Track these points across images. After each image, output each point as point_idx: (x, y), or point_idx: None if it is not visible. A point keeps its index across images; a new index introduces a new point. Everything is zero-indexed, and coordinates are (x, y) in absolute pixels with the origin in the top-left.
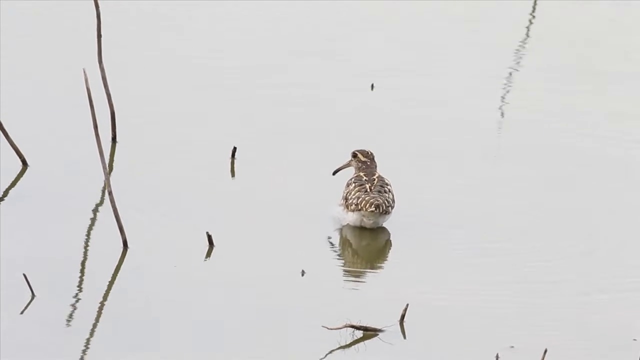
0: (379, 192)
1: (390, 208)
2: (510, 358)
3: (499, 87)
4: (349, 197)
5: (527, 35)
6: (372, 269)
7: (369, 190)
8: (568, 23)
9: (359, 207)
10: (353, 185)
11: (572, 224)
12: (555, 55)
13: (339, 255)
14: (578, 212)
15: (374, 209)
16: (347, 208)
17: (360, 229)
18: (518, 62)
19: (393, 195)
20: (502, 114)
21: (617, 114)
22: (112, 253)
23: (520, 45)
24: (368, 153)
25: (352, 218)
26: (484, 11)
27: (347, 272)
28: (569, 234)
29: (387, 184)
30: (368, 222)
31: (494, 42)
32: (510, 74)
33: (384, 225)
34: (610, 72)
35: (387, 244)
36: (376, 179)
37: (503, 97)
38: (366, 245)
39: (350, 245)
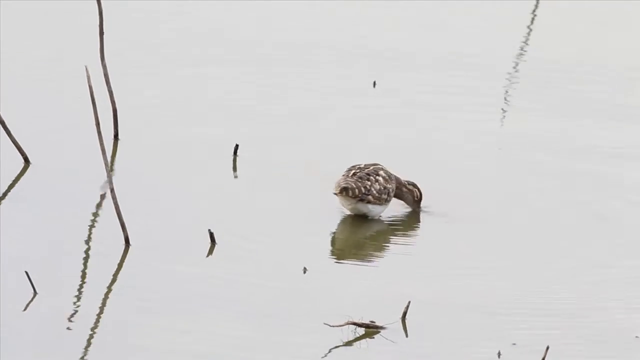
0: (361, 177)
1: (370, 197)
2: (512, 355)
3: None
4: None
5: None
6: (374, 265)
7: (351, 175)
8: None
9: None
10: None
11: (581, 223)
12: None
13: (340, 252)
14: (590, 211)
15: (337, 191)
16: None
17: (361, 225)
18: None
19: (384, 188)
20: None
21: None
22: (114, 251)
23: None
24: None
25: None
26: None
27: (349, 269)
28: (576, 233)
29: (379, 175)
30: (347, 208)
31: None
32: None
33: (386, 221)
34: None
35: (389, 240)
36: (371, 166)
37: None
38: (368, 242)
39: (352, 241)
